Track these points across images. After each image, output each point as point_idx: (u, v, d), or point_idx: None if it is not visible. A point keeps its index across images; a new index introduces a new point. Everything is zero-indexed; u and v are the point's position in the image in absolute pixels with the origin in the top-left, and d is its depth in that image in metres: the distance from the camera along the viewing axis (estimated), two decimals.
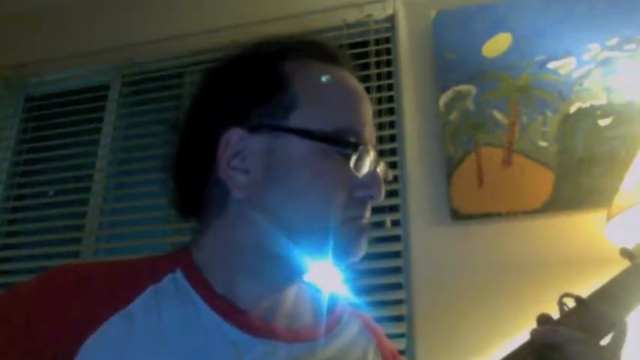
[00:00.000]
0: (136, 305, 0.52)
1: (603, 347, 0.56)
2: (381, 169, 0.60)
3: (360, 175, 0.56)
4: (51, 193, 1.79)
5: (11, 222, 1.80)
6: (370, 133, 0.59)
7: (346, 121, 0.57)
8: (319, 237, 0.55)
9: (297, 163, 0.55)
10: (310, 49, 0.61)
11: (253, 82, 0.58)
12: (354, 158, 0.55)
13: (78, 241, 1.67)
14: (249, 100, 0.57)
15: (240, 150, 0.56)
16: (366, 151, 0.57)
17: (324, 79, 0.58)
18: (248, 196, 0.56)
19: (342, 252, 0.56)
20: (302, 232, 0.55)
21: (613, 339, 0.56)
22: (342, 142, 0.55)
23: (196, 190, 0.60)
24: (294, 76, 0.57)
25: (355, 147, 0.55)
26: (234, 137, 0.56)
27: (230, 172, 0.56)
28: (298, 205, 0.55)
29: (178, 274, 0.56)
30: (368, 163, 0.57)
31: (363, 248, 0.58)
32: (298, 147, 0.55)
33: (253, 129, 0.56)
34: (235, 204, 0.57)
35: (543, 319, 0.59)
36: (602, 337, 0.59)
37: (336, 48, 0.63)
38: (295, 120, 0.56)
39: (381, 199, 0.58)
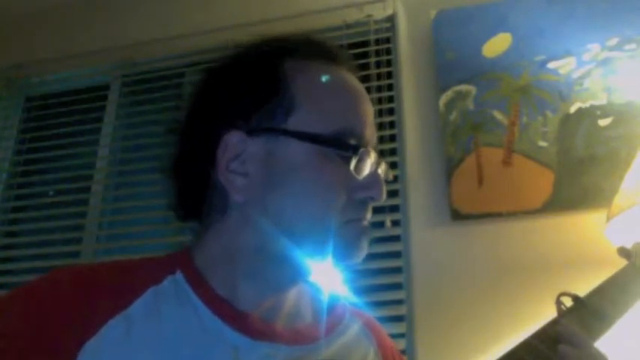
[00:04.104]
0: (136, 307, 0.52)
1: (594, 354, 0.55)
2: (382, 170, 0.59)
3: (360, 177, 0.56)
4: (51, 193, 1.79)
5: (11, 222, 1.80)
6: (371, 133, 0.59)
7: (346, 123, 0.56)
8: (320, 239, 0.55)
9: (297, 166, 0.54)
10: (309, 49, 0.60)
11: (252, 85, 0.57)
12: (354, 161, 0.55)
13: (78, 241, 1.67)
14: (247, 102, 0.57)
15: (239, 153, 0.56)
16: (367, 153, 0.56)
17: (323, 79, 0.58)
18: (248, 200, 0.56)
19: (343, 254, 0.55)
20: (302, 235, 0.55)
21: None
22: (342, 144, 0.55)
23: (196, 194, 0.60)
24: (293, 77, 0.57)
25: (355, 149, 0.55)
26: (233, 140, 0.56)
27: (229, 175, 0.56)
28: (298, 209, 0.54)
29: (178, 276, 0.56)
30: (369, 164, 0.57)
31: (364, 250, 0.57)
32: (297, 150, 0.55)
33: (252, 132, 0.56)
34: (235, 207, 0.57)
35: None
36: (599, 335, 0.59)
37: (335, 48, 0.62)
38: (294, 122, 0.55)
39: (383, 200, 0.57)
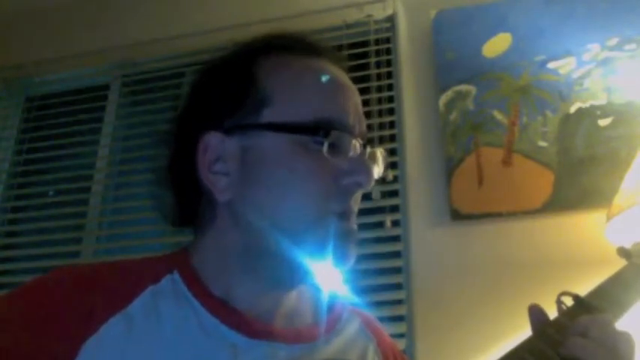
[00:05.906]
0: (135, 306, 0.52)
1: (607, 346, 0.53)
2: (372, 156, 0.58)
3: (338, 161, 0.54)
4: (51, 193, 1.79)
5: (11, 222, 1.80)
6: (355, 120, 0.57)
7: (323, 111, 0.55)
8: (304, 231, 0.54)
9: (272, 158, 0.54)
10: (286, 44, 0.60)
11: (227, 85, 0.58)
12: (326, 144, 0.53)
13: (78, 241, 1.67)
14: (223, 103, 0.57)
15: (220, 154, 0.56)
16: (344, 137, 0.55)
17: (298, 71, 0.57)
18: (231, 199, 0.56)
19: (331, 252, 0.54)
20: (288, 228, 0.54)
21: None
22: (312, 130, 0.53)
23: (187, 198, 0.60)
24: (267, 73, 0.57)
25: (326, 132, 0.53)
26: (213, 141, 0.56)
27: (212, 176, 0.56)
28: (278, 201, 0.54)
29: (176, 276, 0.56)
30: (349, 148, 0.55)
31: (352, 252, 0.55)
32: (271, 142, 0.54)
33: (229, 131, 0.56)
34: (222, 207, 0.57)
35: (535, 310, 0.58)
36: None
37: (314, 40, 0.61)
38: (268, 116, 0.55)
39: (371, 186, 0.56)
